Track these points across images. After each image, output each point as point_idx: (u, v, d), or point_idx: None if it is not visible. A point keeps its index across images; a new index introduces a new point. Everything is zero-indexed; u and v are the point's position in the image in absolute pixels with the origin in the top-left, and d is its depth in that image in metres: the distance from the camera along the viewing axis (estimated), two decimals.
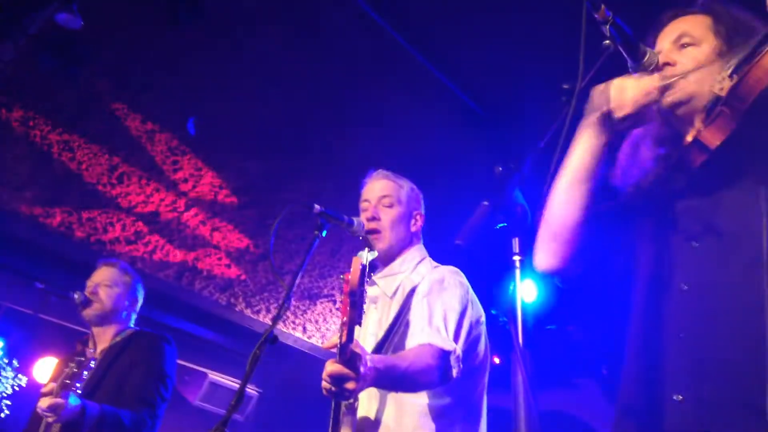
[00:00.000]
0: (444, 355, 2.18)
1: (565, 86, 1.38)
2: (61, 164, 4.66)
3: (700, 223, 1.55)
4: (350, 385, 1.86)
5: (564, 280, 1.77)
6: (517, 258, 1.17)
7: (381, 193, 2.70)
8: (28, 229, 4.75)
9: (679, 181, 1.63)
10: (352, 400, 2.33)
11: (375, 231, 2.62)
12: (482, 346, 2.48)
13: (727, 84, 1.49)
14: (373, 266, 2.62)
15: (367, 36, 4.45)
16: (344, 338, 1.80)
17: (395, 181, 2.74)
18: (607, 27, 1.46)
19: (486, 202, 1.17)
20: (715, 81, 1.51)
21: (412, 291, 2.47)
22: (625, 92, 1.54)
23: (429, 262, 2.63)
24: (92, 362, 3.22)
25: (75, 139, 4.63)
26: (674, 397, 1.45)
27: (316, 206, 2.45)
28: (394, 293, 2.55)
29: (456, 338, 2.28)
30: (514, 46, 4.21)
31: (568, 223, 1.64)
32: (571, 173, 1.62)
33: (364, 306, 1.98)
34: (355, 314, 1.82)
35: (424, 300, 2.37)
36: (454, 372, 2.20)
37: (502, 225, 1.20)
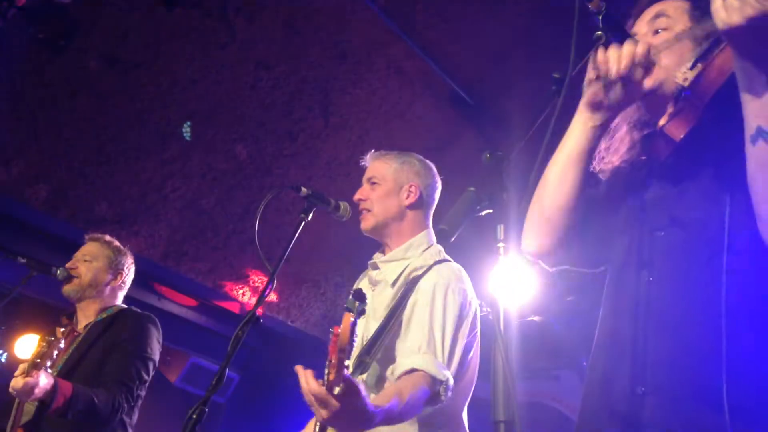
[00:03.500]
0: (436, 383, 2.16)
1: (556, 75, 1.38)
2: (48, 140, 4.61)
3: (665, 213, 1.57)
4: (324, 413, 1.74)
5: (550, 264, 1.78)
6: (501, 245, 1.17)
7: (368, 175, 2.70)
8: (12, 205, 4.71)
9: (648, 171, 1.64)
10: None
11: (362, 211, 2.60)
12: (473, 357, 2.45)
13: (690, 75, 1.50)
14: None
15: (358, 20, 4.43)
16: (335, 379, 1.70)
17: (382, 159, 2.71)
18: (600, 17, 1.46)
19: (472, 188, 1.18)
20: (679, 71, 1.52)
21: (413, 282, 2.41)
22: (611, 60, 1.50)
23: (436, 250, 2.57)
24: (68, 341, 3.18)
25: (63, 116, 4.59)
26: (637, 389, 1.46)
27: (304, 189, 2.45)
28: (395, 281, 2.50)
29: (450, 362, 2.25)
30: (504, 33, 4.21)
31: (560, 206, 1.65)
32: (565, 155, 1.63)
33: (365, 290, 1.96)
34: (344, 362, 1.73)
35: (423, 309, 2.30)
36: (443, 399, 2.18)
37: (487, 211, 1.20)
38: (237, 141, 5.21)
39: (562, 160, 1.63)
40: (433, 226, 2.71)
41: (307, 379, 1.74)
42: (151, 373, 3.22)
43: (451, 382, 2.21)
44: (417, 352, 2.21)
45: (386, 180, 2.64)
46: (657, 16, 1.65)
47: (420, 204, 2.63)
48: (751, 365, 1.36)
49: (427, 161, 2.76)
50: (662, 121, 1.56)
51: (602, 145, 1.69)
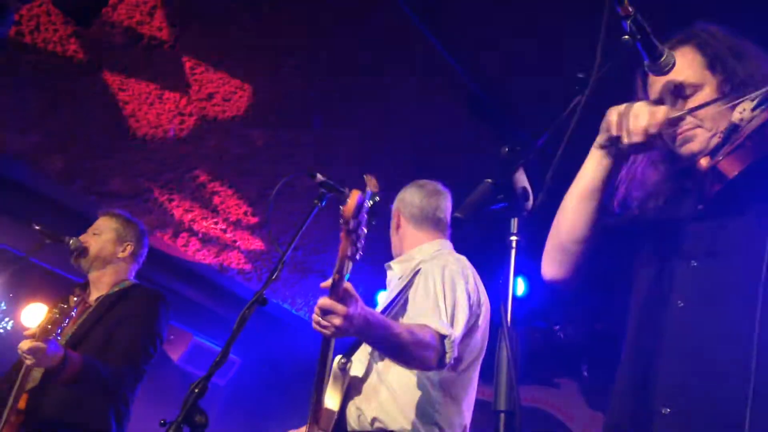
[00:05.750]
0: (441, 338, 2.22)
1: (580, 75, 1.38)
2: (67, 113, 4.65)
3: (702, 244, 1.59)
4: (336, 320, 1.94)
5: (568, 290, 1.83)
6: (514, 238, 1.17)
7: None
8: (29, 174, 4.75)
9: (690, 206, 1.66)
10: (345, 360, 2.38)
11: None
12: (479, 337, 2.54)
13: (748, 115, 1.50)
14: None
15: (378, 11, 4.42)
16: (337, 274, 1.85)
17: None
18: (629, 22, 1.46)
19: (489, 180, 1.18)
20: (736, 111, 1.52)
21: (418, 271, 2.53)
22: (638, 120, 1.55)
23: (446, 251, 2.71)
24: (78, 312, 3.21)
25: (84, 90, 4.62)
26: (662, 410, 1.48)
27: (318, 175, 2.47)
28: (404, 274, 2.64)
29: (453, 323, 2.32)
30: (525, 33, 4.20)
31: (576, 237, 1.71)
32: (579, 190, 1.68)
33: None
34: (348, 248, 1.87)
35: (428, 282, 2.42)
36: (448, 357, 2.25)
37: (503, 205, 1.21)
38: (253, 126, 5.23)
39: (577, 194, 1.69)
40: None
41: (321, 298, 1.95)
42: (158, 349, 3.25)
43: (456, 337, 2.28)
44: (422, 314, 2.32)
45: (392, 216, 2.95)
46: (681, 88, 1.67)
47: (403, 224, 2.86)
48: None
49: (425, 184, 2.92)
50: (704, 161, 1.55)
51: (627, 175, 1.72)
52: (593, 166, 1.65)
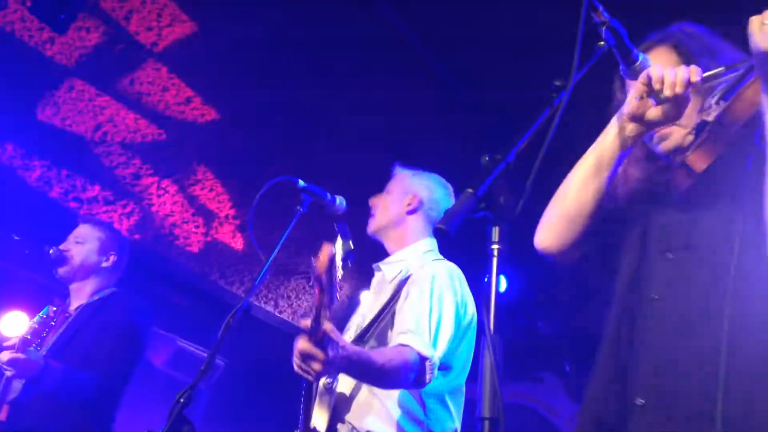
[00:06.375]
0: (422, 360, 2.23)
1: (557, 83, 1.41)
2: (44, 118, 4.61)
3: (677, 238, 1.62)
4: (316, 366, 1.91)
5: (559, 263, 1.83)
6: (495, 246, 1.19)
7: (387, 187, 2.90)
8: (6, 181, 4.70)
9: (665, 199, 1.69)
10: (330, 380, 2.38)
11: (370, 214, 2.81)
12: (467, 349, 2.54)
13: (714, 110, 1.55)
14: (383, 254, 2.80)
15: (358, 13, 4.43)
16: (313, 322, 1.84)
17: (401, 172, 2.93)
18: (603, 29, 1.48)
19: (470, 190, 1.20)
20: (703, 107, 1.58)
21: (406, 278, 2.52)
22: (679, 73, 1.55)
23: (434, 254, 2.69)
24: (58, 321, 3.18)
25: (61, 95, 4.58)
26: (637, 401, 1.50)
27: (300, 181, 2.48)
28: (393, 279, 2.62)
29: (436, 343, 2.32)
30: (506, 36, 4.23)
31: (583, 208, 1.72)
32: (595, 158, 1.69)
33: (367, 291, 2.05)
34: (323, 299, 1.84)
35: (416, 296, 2.40)
36: (428, 378, 2.26)
37: (484, 214, 1.22)
38: (234, 129, 5.21)
39: (590, 163, 1.70)
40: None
41: (299, 341, 1.92)
42: (141, 356, 3.24)
43: (436, 361, 2.28)
44: (405, 332, 2.30)
45: (396, 188, 2.85)
46: None
47: (419, 213, 2.77)
48: (749, 382, 1.39)
49: (445, 182, 2.91)
50: (678, 155, 1.60)
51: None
52: (614, 134, 1.66)
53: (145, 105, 4.85)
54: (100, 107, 4.74)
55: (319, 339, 1.88)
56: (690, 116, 1.62)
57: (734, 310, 1.43)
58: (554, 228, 1.78)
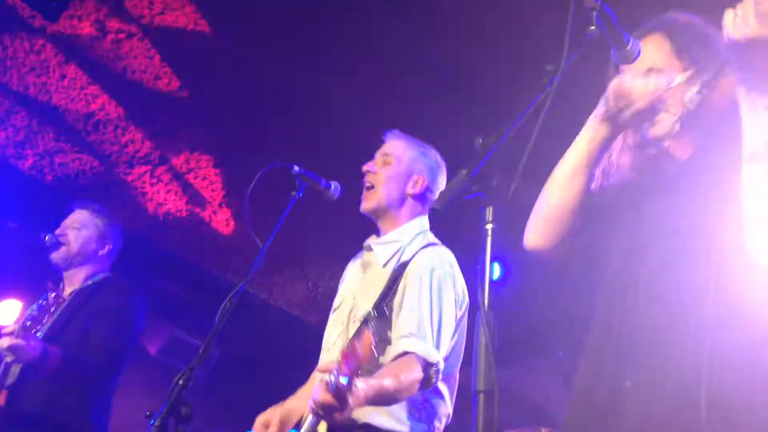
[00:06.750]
0: (428, 366, 2.24)
1: (549, 68, 1.43)
2: (37, 106, 4.60)
3: (660, 226, 1.66)
4: (336, 416, 1.92)
5: (550, 260, 1.87)
6: (489, 226, 1.22)
7: (385, 150, 2.72)
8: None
9: (650, 187, 1.73)
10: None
11: (367, 186, 2.63)
12: (460, 339, 2.53)
13: (695, 100, 1.61)
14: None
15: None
16: (339, 383, 1.82)
17: (404, 141, 2.73)
18: (594, 14, 1.50)
19: (465, 171, 1.23)
20: (686, 96, 1.63)
21: (402, 267, 2.47)
22: (638, 88, 1.63)
23: (426, 235, 2.62)
24: (53, 307, 3.19)
25: (53, 82, 4.57)
26: (625, 383, 1.54)
27: (295, 167, 2.49)
28: (387, 262, 2.56)
29: (439, 345, 2.32)
30: (496, 20, 4.23)
31: (567, 206, 1.76)
32: (573, 161, 1.75)
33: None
34: (351, 371, 1.83)
35: (414, 293, 2.37)
36: (434, 381, 2.27)
37: (476, 196, 1.25)
38: (228, 115, 5.21)
39: (569, 166, 1.75)
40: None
41: (318, 392, 1.90)
42: (136, 340, 3.25)
43: (442, 365, 2.29)
44: (408, 336, 2.28)
45: (401, 162, 2.67)
46: (649, 69, 1.72)
47: (422, 197, 2.67)
48: (732, 363, 1.42)
49: (441, 159, 2.78)
50: (666, 142, 1.64)
51: (603, 161, 1.77)
52: (589, 137, 1.72)
53: (137, 93, 4.84)
54: (92, 95, 4.74)
55: (341, 394, 1.87)
56: (679, 103, 1.65)
57: (717, 297, 1.45)
58: (541, 228, 1.82)
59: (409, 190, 2.65)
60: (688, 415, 1.40)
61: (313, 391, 2.00)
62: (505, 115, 1.41)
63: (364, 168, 2.67)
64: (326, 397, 1.88)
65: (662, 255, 1.62)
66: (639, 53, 1.62)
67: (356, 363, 1.81)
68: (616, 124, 1.68)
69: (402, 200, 2.63)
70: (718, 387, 1.40)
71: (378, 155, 2.71)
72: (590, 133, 1.72)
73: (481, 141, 1.28)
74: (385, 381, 2.14)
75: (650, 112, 1.65)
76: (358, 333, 1.82)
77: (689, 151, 1.63)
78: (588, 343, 1.73)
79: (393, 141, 2.74)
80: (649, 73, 1.72)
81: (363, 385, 1.98)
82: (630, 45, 1.60)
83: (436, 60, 4.84)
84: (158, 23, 4.51)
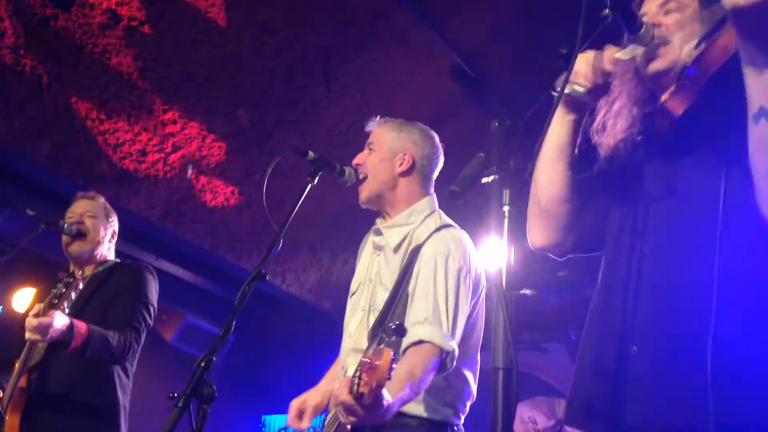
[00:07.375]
0: (443, 354, 2.24)
1: (563, 51, 1.44)
2: (51, 96, 4.63)
3: (661, 185, 1.64)
4: (352, 418, 1.89)
5: (559, 254, 1.87)
6: (506, 208, 1.24)
7: (369, 140, 2.75)
8: (13, 159, 4.74)
9: (647, 146, 1.71)
10: (344, 366, 2.44)
11: (361, 179, 2.66)
12: (481, 314, 2.54)
13: (694, 53, 1.59)
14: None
15: None
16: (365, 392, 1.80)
17: (382, 126, 2.75)
18: None
19: (482, 153, 1.24)
20: (685, 50, 1.61)
21: (416, 251, 2.46)
22: (579, 69, 1.64)
23: (437, 216, 2.61)
24: (72, 292, 3.23)
25: (66, 72, 4.60)
26: (630, 350, 1.54)
27: (310, 153, 2.50)
28: (398, 246, 2.55)
29: (454, 331, 2.31)
30: (510, 7, 4.23)
31: (555, 197, 1.76)
32: (549, 150, 1.75)
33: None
34: (372, 395, 1.81)
35: (429, 277, 2.36)
36: (448, 367, 2.27)
37: (493, 177, 1.26)
38: (238, 105, 5.23)
39: (547, 155, 1.75)
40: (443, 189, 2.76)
41: (341, 390, 1.86)
42: (152, 319, 3.29)
43: (457, 352, 2.28)
44: (423, 323, 2.27)
45: (382, 147, 2.67)
46: (668, 1, 1.70)
47: (413, 172, 2.65)
48: (739, 328, 1.42)
49: (430, 131, 2.77)
50: (664, 97, 1.63)
51: (601, 115, 1.76)
52: (558, 123, 1.72)
53: (149, 81, 4.87)
54: (105, 84, 4.76)
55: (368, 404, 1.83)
56: (685, 27, 1.64)
57: (724, 258, 1.44)
58: (539, 226, 1.82)
59: (398, 170, 2.64)
60: (695, 379, 1.40)
61: (335, 389, 1.99)
62: (519, 98, 1.42)
63: (354, 162, 2.70)
64: (348, 399, 1.83)
65: (664, 216, 1.60)
66: (653, 36, 1.63)
67: (379, 378, 1.77)
68: (574, 105, 1.70)
69: (393, 182, 2.64)
70: (725, 348, 1.39)
71: (366, 147, 2.74)
72: (557, 119, 1.72)
73: (496, 123, 1.30)
74: (406, 383, 2.11)
75: (653, 47, 1.63)
76: (378, 352, 1.78)
77: (683, 106, 1.59)
78: (592, 307, 1.72)
79: (375, 129, 2.76)
80: (666, 4, 1.70)
81: (390, 397, 1.94)
82: (644, 27, 1.61)
83: (450, 44, 4.84)
84: (170, 10, 4.52)
